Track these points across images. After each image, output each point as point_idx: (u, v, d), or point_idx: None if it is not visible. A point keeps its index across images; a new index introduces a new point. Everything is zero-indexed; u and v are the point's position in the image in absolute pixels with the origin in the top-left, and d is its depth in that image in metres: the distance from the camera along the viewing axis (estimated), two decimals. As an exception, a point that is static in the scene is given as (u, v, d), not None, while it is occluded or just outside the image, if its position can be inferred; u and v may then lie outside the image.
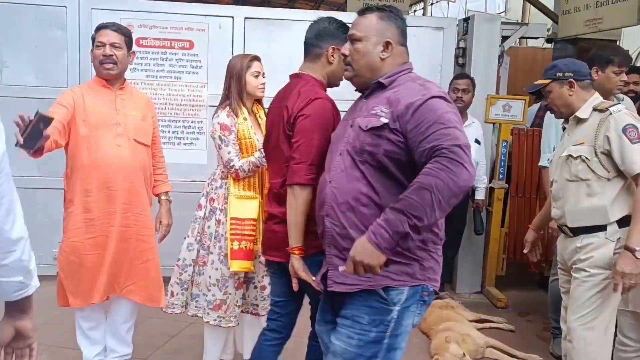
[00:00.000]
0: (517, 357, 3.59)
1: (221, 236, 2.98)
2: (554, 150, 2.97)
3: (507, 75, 5.27)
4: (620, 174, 2.57)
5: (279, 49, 4.62)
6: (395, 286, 1.92)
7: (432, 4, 17.57)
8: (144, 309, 3.15)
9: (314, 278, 2.26)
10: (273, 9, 5.54)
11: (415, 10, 16.86)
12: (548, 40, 5.96)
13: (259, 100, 3.12)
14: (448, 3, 16.99)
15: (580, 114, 2.68)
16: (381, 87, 2.00)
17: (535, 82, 2.84)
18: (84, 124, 2.80)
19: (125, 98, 2.93)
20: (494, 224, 4.77)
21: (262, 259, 3.03)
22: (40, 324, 3.79)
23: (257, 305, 3.12)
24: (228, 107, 2.98)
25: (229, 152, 2.93)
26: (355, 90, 2.18)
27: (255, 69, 3.01)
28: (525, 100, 4.68)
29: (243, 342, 3.26)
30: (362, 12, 2.08)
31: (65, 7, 4.47)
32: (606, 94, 3.29)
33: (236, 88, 2.99)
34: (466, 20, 4.91)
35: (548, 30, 5.65)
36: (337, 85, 2.54)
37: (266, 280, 3.11)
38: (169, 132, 4.56)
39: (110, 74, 2.87)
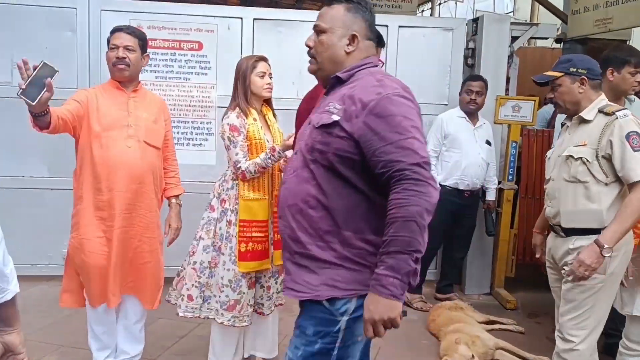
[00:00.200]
0: (527, 359, 3.58)
1: (232, 237, 2.98)
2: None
3: (517, 76, 5.24)
4: (617, 179, 2.57)
5: (288, 50, 4.63)
6: (342, 297, 1.80)
7: (439, 4, 17.52)
8: (153, 310, 3.16)
9: None
10: (282, 10, 5.54)
11: (422, 11, 16.82)
12: (557, 41, 5.93)
13: (268, 102, 3.13)
14: (456, 3, 16.95)
15: (585, 114, 2.66)
16: (340, 82, 1.91)
17: (546, 73, 2.77)
18: (96, 123, 2.83)
19: (138, 100, 2.96)
20: (503, 225, 4.75)
21: (272, 257, 3.05)
22: (50, 324, 3.82)
23: (263, 305, 3.13)
24: (237, 107, 3.00)
25: (237, 154, 2.95)
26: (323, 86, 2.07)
27: (261, 69, 3.02)
28: (535, 101, 4.66)
29: (245, 340, 3.27)
30: (329, 2, 1.97)
31: (75, 8, 4.49)
32: (620, 95, 3.29)
33: (242, 89, 3.02)
34: (475, 20, 4.90)
35: (557, 30, 5.62)
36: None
37: (272, 281, 3.12)
38: (178, 133, 4.57)
39: (122, 76, 2.90)
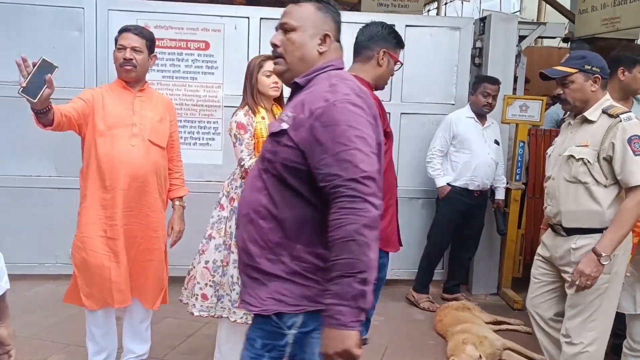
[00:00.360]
0: (535, 359, 3.57)
1: None
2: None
3: (524, 75, 5.22)
4: (616, 182, 2.57)
5: (295, 50, 4.62)
6: (288, 312, 1.71)
7: (445, 4, 17.49)
8: (160, 309, 3.16)
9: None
10: (288, 10, 5.53)
11: (429, 10, 16.80)
12: (564, 40, 5.91)
13: (279, 101, 3.13)
14: (462, 2, 16.90)
15: (589, 114, 2.65)
16: (299, 87, 1.81)
17: (559, 68, 2.70)
18: (101, 121, 2.83)
19: (144, 100, 2.96)
20: (511, 225, 4.73)
21: None
22: (56, 323, 3.83)
23: None
24: (247, 106, 3.02)
25: (242, 151, 2.97)
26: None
27: (267, 68, 3.01)
28: (542, 100, 4.64)
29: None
30: (296, 0, 1.86)
31: (83, 8, 4.50)
32: (629, 95, 3.28)
33: (249, 87, 3.05)
34: (483, 20, 4.88)
35: (565, 29, 5.61)
36: (382, 88, 2.72)
37: None
38: (184, 132, 4.58)
39: (129, 77, 2.91)
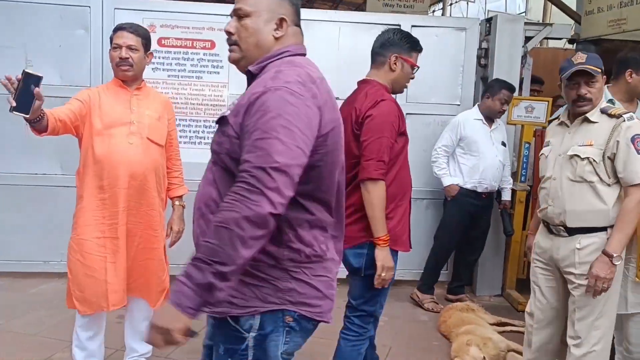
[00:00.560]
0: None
1: None
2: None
3: (530, 76, 5.21)
4: (618, 181, 2.59)
5: (300, 49, 4.62)
6: (240, 314, 1.64)
7: (451, 4, 17.50)
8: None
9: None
10: (294, 9, 5.54)
11: (434, 11, 16.80)
12: (570, 41, 5.89)
13: None
14: (467, 3, 16.90)
15: (591, 115, 2.66)
16: (252, 75, 1.72)
17: (592, 68, 2.61)
18: (98, 121, 2.81)
19: (141, 98, 2.94)
20: (516, 226, 4.73)
21: None
22: (61, 321, 3.83)
23: None
24: None
25: None
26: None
27: None
28: (548, 101, 4.63)
29: None
30: None
31: (89, 7, 4.51)
32: (634, 97, 3.28)
33: None
34: (489, 20, 4.87)
35: (571, 30, 5.59)
36: (400, 92, 2.77)
37: None
38: (189, 131, 4.59)
39: (126, 76, 2.88)
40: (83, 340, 2.97)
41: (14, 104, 2.27)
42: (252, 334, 1.65)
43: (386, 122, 2.54)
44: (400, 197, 2.66)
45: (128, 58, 2.82)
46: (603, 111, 2.65)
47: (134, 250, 2.92)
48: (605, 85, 3.35)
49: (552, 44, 9.16)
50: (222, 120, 1.65)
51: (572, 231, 2.67)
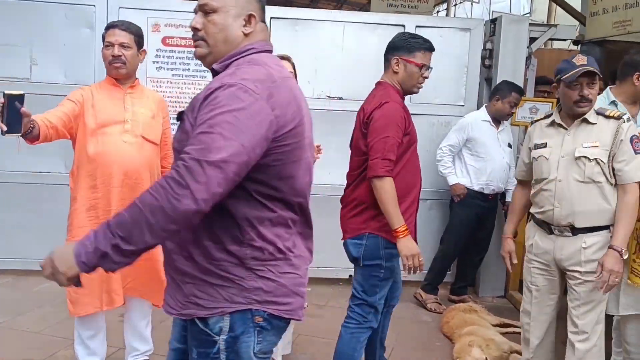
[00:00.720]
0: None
1: None
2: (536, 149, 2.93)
3: (534, 77, 5.20)
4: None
5: (304, 49, 4.64)
6: (206, 315, 1.62)
7: (455, 5, 17.47)
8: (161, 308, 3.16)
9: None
10: (299, 9, 5.55)
11: (438, 11, 16.78)
12: (575, 42, 5.88)
13: None
14: (472, 4, 16.88)
15: (589, 116, 2.71)
16: (216, 73, 1.70)
17: (593, 68, 2.65)
18: (92, 120, 2.79)
19: (135, 96, 2.92)
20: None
21: None
22: (65, 319, 3.84)
23: None
24: None
25: None
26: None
27: None
28: (552, 102, 4.62)
29: None
30: None
31: (94, 5, 4.53)
32: (638, 99, 3.27)
33: None
34: (493, 21, 4.87)
35: (576, 31, 5.57)
36: (411, 92, 2.85)
37: None
38: (193, 130, 4.59)
39: (119, 74, 2.86)
40: (84, 338, 2.98)
41: (5, 128, 2.27)
42: (223, 337, 1.63)
43: (390, 122, 2.65)
44: (403, 195, 2.72)
45: (121, 56, 2.80)
46: (598, 113, 2.72)
47: None
48: (608, 87, 3.35)
49: (556, 45, 9.16)
50: (180, 117, 1.65)
51: (576, 231, 2.71)
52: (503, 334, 3.85)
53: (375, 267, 2.79)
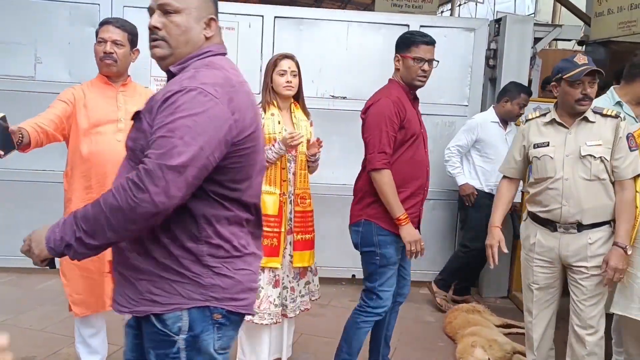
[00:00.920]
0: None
1: None
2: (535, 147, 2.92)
3: (539, 78, 5.19)
4: None
5: (308, 48, 4.64)
6: (163, 312, 1.61)
7: (459, 5, 17.46)
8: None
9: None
10: (303, 8, 5.54)
11: (442, 11, 16.77)
12: (580, 43, 5.86)
13: (298, 99, 3.14)
14: (476, 4, 16.86)
15: (589, 115, 2.75)
16: (172, 75, 1.71)
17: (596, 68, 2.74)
18: (84, 120, 2.75)
19: (127, 95, 2.88)
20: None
21: (292, 260, 3.04)
22: (68, 317, 3.84)
23: (286, 307, 3.09)
24: (260, 104, 3.03)
25: None
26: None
27: (282, 67, 3.03)
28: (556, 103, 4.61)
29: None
30: None
31: (98, 4, 4.53)
32: None
33: (265, 85, 3.08)
34: (498, 21, 4.86)
35: (581, 31, 5.56)
36: (414, 86, 2.93)
37: (295, 283, 3.12)
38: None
39: (110, 72, 2.83)
40: (85, 337, 2.98)
41: (3, 153, 2.28)
42: (182, 336, 1.63)
43: (382, 118, 2.79)
44: (398, 187, 2.83)
45: (112, 53, 2.76)
46: (595, 111, 2.77)
47: None
48: (612, 87, 3.34)
49: (561, 45, 9.13)
50: (137, 116, 1.65)
51: (582, 227, 2.75)
52: (506, 334, 3.85)
53: (371, 253, 2.92)
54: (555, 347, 3.06)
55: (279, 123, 3.02)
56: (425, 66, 2.87)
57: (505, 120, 4.44)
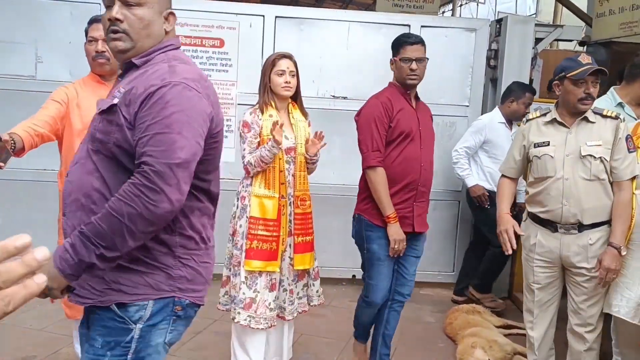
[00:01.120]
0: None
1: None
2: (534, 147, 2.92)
3: (540, 78, 5.18)
4: None
5: (309, 48, 4.64)
6: (131, 302, 1.62)
7: (461, 5, 17.43)
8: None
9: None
10: (304, 8, 5.55)
11: (443, 12, 16.75)
12: (581, 43, 5.85)
13: (296, 99, 3.12)
14: (477, 4, 16.84)
15: (589, 115, 2.76)
16: (134, 67, 1.70)
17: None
18: (78, 121, 2.74)
19: None
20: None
21: (292, 262, 3.03)
22: (65, 317, 3.84)
23: (284, 309, 3.08)
24: (257, 104, 3.02)
25: (244, 149, 2.97)
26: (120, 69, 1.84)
27: (280, 67, 2.99)
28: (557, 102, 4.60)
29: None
30: None
31: (99, 3, 4.52)
32: None
33: (262, 85, 3.05)
34: (499, 21, 4.85)
35: (582, 32, 5.55)
36: (407, 86, 3.00)
37: (294, 285, 3.11)
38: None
39: (103, 70, 2.81)
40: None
41: (3, 164, 2.30)
42: (139, 325, 1.64)
43: (370, 118, 2.93)
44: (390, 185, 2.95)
45: (105, 51, 2.74)
46: (595, 112, 2.78)
47: None
48: (613, 87, 3.34)
49: (562, 45, 9.12)
50: (110, 109, 1.61)
51: (582, 228, 2.76)
52: (506, 335, 3.84)
53: (361, 246, 3.09)
54: (556, 348, 3.06)
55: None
56: (413, 65, 2.94)
57: (510, 120, 4.43)
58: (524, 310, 3.09)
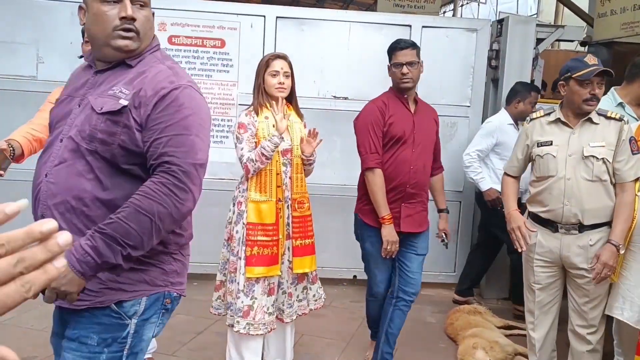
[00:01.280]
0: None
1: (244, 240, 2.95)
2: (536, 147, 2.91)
3: (541, 78, 5.18)
4: None
5: (310, 49, 4.63)
6: (128, 298, 1.64)
7: (462, 5, 17.42)
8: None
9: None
10: (305, 9, 5.54)
11: (445, 12, 16.74)
12: (582, 44, 5.85)
13: (291, 101, 3.08)
14: (478, 4, 16.83)
15: (593, 116, 2.77)
16: (123, 65, 1.68)
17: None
18: None
19: None
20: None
21: (292, 265, 3.02)
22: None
23: (283, 312, 3.06)
24: (252, 106, 2.99)
25: (242, 149, 2.89)
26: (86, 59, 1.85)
27: (274, 67, 2.94)
28: (557, 104, 4.60)
29: (263, 345, 3.16)
30: None
31: (100, 4, 4.52)
32: None
33: (256, 86, 3.00)
34: (500, 21, 4.84)
35: (583, 32, 5.55)
36: (400, 90, 3.08)
37: (293, 288, 3.09)
38: (198, 129, 4.59)
39: None
40: None
41: (4, 173, 2.34)
42: (134, 320, 1.66)
43: (366, 122, 3.04)
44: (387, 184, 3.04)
45: None
46: (600, 113, 2.78)
47: None
48: (613, 88, 3.34)
49: (563, 46, 9.12)
50: (119, 110, 1.58)
51: (583, 228, 2.76)
52: (507, 336, 3.84)
53: (358, 243, 3.24)
54: (558, 349, 3.06)
55: (274, 126, 2.92)
56: (404, 69, 3.01)
57: (516, 121, 4.42)
58: (525, 311, 3.09)
